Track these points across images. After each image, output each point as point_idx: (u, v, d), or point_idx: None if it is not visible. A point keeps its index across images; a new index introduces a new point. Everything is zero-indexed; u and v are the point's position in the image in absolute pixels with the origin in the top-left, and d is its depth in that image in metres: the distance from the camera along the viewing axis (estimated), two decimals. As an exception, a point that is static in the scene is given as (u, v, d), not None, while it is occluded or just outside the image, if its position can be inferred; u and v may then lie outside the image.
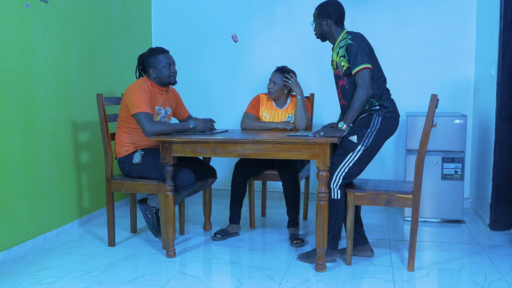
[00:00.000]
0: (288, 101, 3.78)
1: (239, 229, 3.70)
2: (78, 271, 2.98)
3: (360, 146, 2.95)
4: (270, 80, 3.70)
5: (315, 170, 4.18)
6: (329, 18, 3.07)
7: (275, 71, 3.72)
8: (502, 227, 3.76)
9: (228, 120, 4.89)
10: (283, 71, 3.69)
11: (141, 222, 4.02)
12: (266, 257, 3.24)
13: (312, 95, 4.06)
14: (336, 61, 3.08)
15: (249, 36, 4.86)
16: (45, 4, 3.49)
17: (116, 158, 3.47)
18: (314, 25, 3.15)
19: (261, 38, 4.84)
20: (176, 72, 3.42)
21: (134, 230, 3.77)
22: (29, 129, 3.37)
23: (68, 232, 3.78)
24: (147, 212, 3.46)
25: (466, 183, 4.43)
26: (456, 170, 3.99)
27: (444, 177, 4.00)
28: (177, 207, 3.71)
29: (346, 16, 3.15)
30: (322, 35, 3.14)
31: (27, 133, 3.35)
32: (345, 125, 2.94)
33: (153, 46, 5.02)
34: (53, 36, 3.60)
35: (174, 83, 3.43)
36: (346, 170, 2.97)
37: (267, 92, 3.80)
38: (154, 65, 3.35)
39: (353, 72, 2.94)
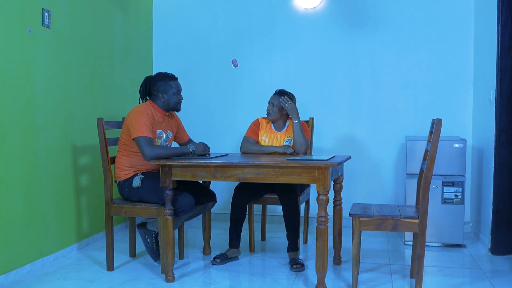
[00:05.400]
0: (287, 124, 3.79)
1: (238, 253, 3.68)
2: (76, 296, 2.96)
3: None
4: (269, 102, 3.73)
5: (315, 194, 4.18)
6: None
7: (274, 94, 3.75)
8: (503, 251, 3.74)
9: (228, 144, 4.90)
10: (282, 94, 3.72)
11: (140, 246, 4.00)
12: (266, 281, 3.21)
13: (312, 119, 4.08)
14: None
15: (249, 60, 4.90)
16: (47, 30, 3.53)
17: (115, 182, 3.47)
18: None
19: (261, 63, 4.88)
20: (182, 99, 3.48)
21: (133, 254, 3.75)
22: (29, 152, 3.37)
23: (67, 256, 3.75)
24: (146, 236, 3.45)
25: (467, 207, 4.42)
26: (456, 194, 3.98)
27: (445, 201, 3.99)
28: (176, 231, 3.69)
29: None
30: None
31: (28, 156, 3.36)
32: None
33: (154, 70, 5.07)
34: (55, 60, 3.64)
35: (179, 110, 3.48)
36: None
37: (266, 115, 3.81)
38: (165, 90, 3.38)
39: None
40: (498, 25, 3.69)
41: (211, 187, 3.85)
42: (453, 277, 3.30)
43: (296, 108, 3.66)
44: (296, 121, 3.61)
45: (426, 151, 3.11)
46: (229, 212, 3.76)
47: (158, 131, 3.39)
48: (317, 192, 2.92)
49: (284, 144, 3.73)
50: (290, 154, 3.58)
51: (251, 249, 3.91)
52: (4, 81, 3.15)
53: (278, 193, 3.60)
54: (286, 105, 3.62)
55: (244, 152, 3.74)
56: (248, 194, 3.65)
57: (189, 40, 5.04)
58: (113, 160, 3.48)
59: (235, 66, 4.94)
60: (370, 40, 4.63)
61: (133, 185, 3.32)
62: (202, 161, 3.05)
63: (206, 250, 3.82)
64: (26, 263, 3.35)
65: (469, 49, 4.48)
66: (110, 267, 3.42)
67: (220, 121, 4.99)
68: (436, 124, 2.87)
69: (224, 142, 4.90)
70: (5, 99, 3.15)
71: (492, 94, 3.81)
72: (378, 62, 4.61)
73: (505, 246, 3.73)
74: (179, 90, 3.45)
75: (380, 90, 4.65)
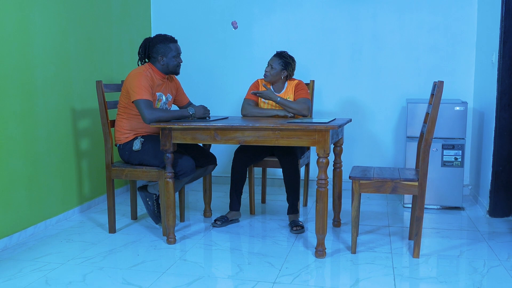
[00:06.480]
0: (286, 85, 3.76)
1: (239, 215, 3.71)
2: (79, 258, 3.00)
3: None
4: (268, 63, 3.69)
5: (315, 157, 4.19)
6: None
7: (274, 55, 3.70)
8: (501, 214, 3.78)
9: (228, 106, 4.88)
10: (282, 56, 3.68)
11: (141, 209, 4.03)
12: (266, 243, 3.25)
13: (312, 81, 4.05)
14: None
15: (249, 22, 4.83)
16: (43, -10, 3.47)
17: (116, 145, 3.47)
18: None
19: (261, 25, 4.81)
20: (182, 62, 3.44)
21: (134, 217, 3.78)
22: (29, 117, 3.36)
23: (69, 219, 3.79)
24: (147, 199, 3.47)
25: (466, 170, 4.44)
26: (456, 157, 3.99)
27: (444, 164, 4.01)
28: (177, 194, 3.72)
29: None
30: None
31: (27, 121, 3.35)
32: None
33: (152, 32, 5.00)
34: (52, 23, 3.58)
35: (178, 73, 3.45)
36: None
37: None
38: (164, 52, 3.34)
39: None
40: (503, -15, 3.63)
41: (211, 150, 3.87)
42: (451, 239, 3.34)
43: (269, 92, 3.59)
44: (278, 99, 3.57)
45: (427, 113, 3.10)
46: (230, 175, 3.78)
47: (157, 94, 3.37)
48: (317, 154, 2.92)
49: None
50: (291, 117, 3.56)
51: (252, 212, 3.94)
52: (1, 45, 3.11)
53: (278, 156, 3.61)
54: (257, 94, 3.59)
55: (244, 115, 3.72)
56: (248, 157, 3.66)
57: (187, 1, 4.95)
58: (113, 123, 3.48)
59: (235, 27, 4.87)
60: (371, 1, 4.55)
61: (133, 148, 3.32)
62: (202, 124, 3.04)
63: (207, 212, 3.86)
64: (29, 225, 3.39)
65: (472, 10, 4.40)
66: (112, 229, 3.46)
67: (220, 83, 4.96)
68: (437, 87, 2.85)
69: (224, 105, 4.89)
70: (3, 63, 3.12)
71: (494, 56, 3.77)
72: (380, 24, 4.54)
73: (503, 208, 3.77)
74: (178, 53, 3.40)
75: (382, 52, 4.59)
